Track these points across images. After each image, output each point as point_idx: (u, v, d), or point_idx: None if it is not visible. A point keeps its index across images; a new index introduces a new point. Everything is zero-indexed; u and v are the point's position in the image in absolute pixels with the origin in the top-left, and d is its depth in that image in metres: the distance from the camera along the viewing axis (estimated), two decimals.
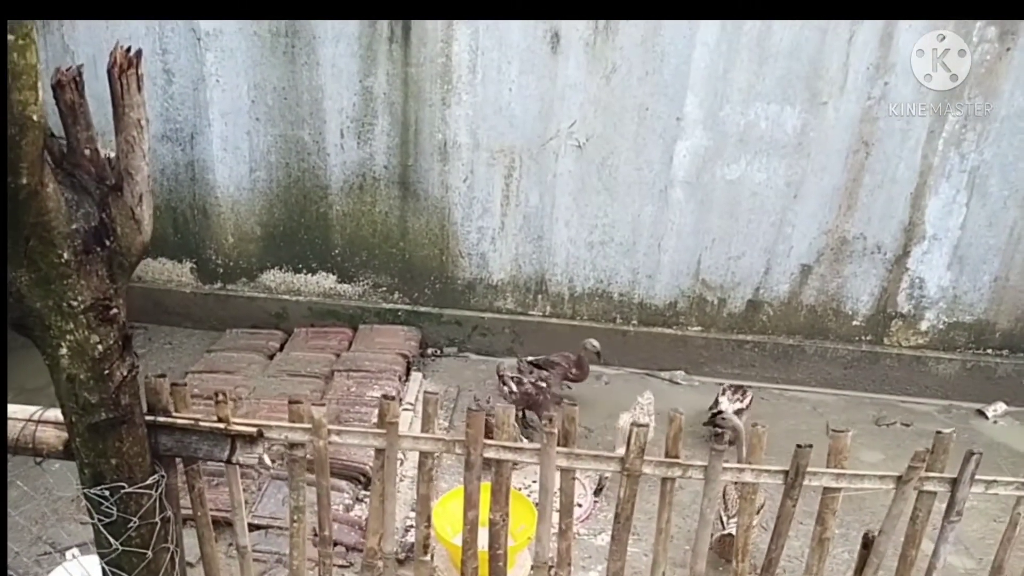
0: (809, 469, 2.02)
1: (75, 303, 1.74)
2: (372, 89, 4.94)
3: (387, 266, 5.43)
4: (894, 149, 4.79)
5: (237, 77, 4.99)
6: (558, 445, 2.07)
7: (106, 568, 2.04)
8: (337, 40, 4.84)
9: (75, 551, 2.85)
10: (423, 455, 2.16)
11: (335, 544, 3.35)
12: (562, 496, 2.21)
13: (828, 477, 2.04)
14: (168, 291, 5.60)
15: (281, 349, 5.27)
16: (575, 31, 4.67)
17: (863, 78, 4.64)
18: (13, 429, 1.98)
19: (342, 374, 4.80)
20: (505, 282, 5.39)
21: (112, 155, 1.78)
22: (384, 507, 2.20)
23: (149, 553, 2.03)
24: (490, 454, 2.10)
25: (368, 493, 3.88)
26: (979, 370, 5.20)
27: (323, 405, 2.07)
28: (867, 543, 2.20)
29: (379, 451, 2.16)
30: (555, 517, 2.29)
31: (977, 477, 2.04)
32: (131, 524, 1.97)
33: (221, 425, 2.03)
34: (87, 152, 1.72)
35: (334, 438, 2.13)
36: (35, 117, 1.48)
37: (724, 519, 3.37)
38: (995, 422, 5.01)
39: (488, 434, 2.07)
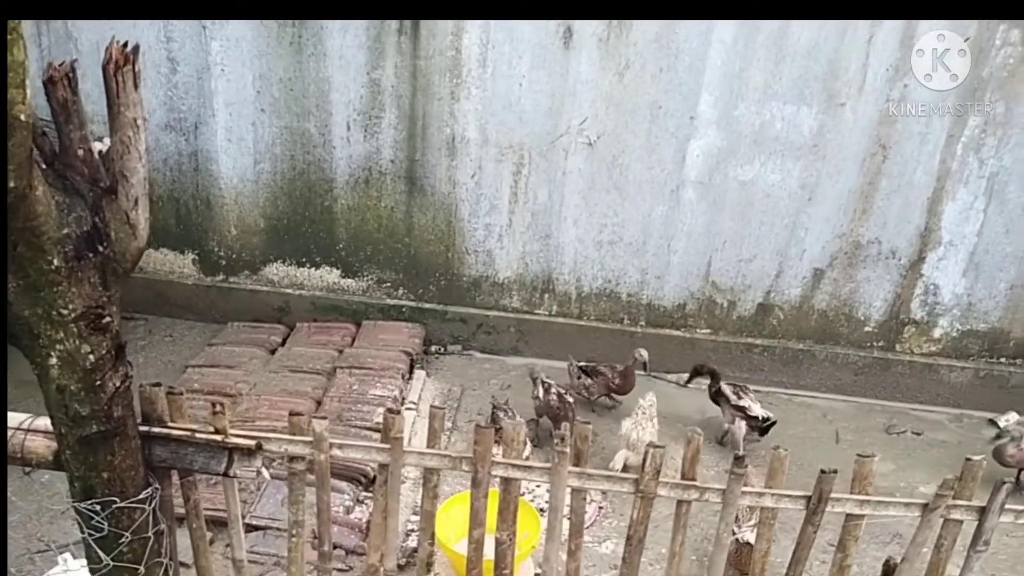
0: (832, 495, 1.93)
1: (66, 311, 1.65)
2: (380, 82, 4.84)
3: (392, 261, 5.34)
4: (912, 153, 4.68)
5: (243, 67, 4.88)
6: (570, 464, 1.98)
7: None
8: (345, 31, 4.73)
9: (67, 555, 2.78)
10: (428, 471, 2.07)
11: (335, 547, 3.28)
12: (572, 516, 2.13)
13: (852, 503, 1.95)
14: (170, 283, 5.51)
15: (283, 344, 5.19)
16: (588, 26, 4.55)
17: (882, 79, 4.53)
18: None
19: (344, 371, 4.72)
20: (511, 280, 5.30)
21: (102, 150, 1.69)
22: (387, 523, 2.12)
23: (141, 568, 1.95)
24: (499, 472, 2.02)
25: (369, 495, 3.82)
26: (992, 379, 5.11)
27: (324, 418, 1.99)
28: (888, 571, 2.12)
29: (383, 466, 2.07)
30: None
31: (1007, 507, 1.95)
32: (123, 539, 1.90)
33: (218, 437, 1.94)
34: (80, 152, 1.62)
35: (336, 452, 2.04)
36: (23, 117, 1.39)
37: (736, 526, 3.27)
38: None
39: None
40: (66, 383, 1.72)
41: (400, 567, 3.31)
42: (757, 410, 4.36)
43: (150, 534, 1.94)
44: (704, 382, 4.68)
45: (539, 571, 2.45)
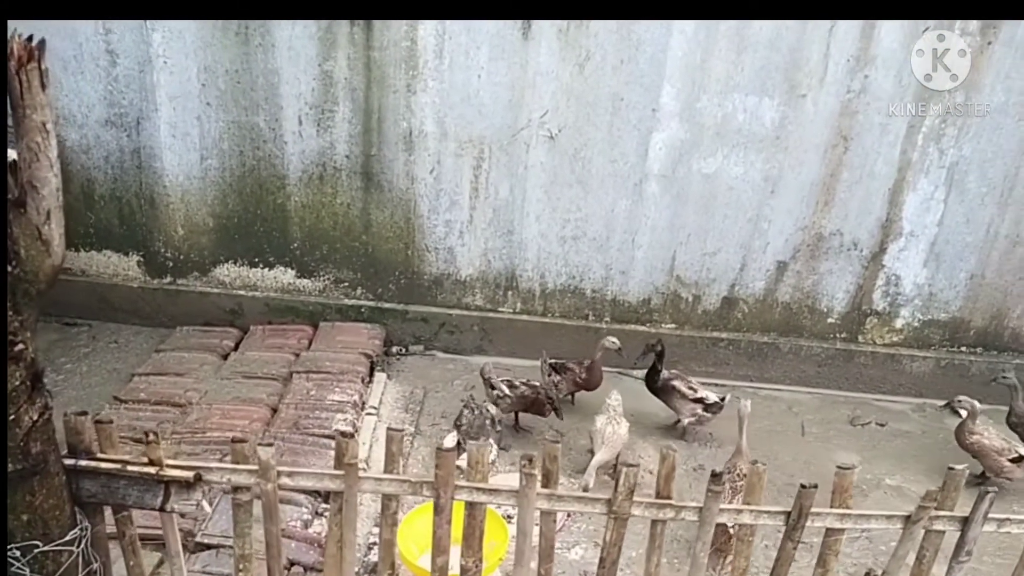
0: (812, 510, 1.84)
1: None
2: (332, 73, 4.63)
3: (349, 260, 5.15)
4: (873, 144, 4.66)
5: (186, 59, 4.63)
6: (540, 486, 1.86)
7: None
8: (294, 21, 4.51)
9: None
10: (386, 498, 1.93)
11: (292, 564, 3.12)
12: (542, 540, 2.00)
13: (832, 518, 1.87)
14: (114, 286, 5.24)
15: (236, 348, 4.97)
16: None
17: (843, 70, 4.49)
18: None
19: (301, 376, 4.54)
20: (474, 278, 5.16)
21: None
22: (342, 554, 1.97)
23: None
24: (463, 496, 1.88)
25: (328, 507, 3.66)
26: (953, 368, 5.15)
27: (271, 445, 1.82)
28: None
29: (336, 494, 1.92)
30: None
31: (990, 515, 1.89)
32: None
33: (152, 469, 1.77)
34: None
35: (284, 480, 1.88)
36: None
37: None
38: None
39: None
40: None
41: None
42: (713, 397, 4.39)
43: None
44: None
45: None
